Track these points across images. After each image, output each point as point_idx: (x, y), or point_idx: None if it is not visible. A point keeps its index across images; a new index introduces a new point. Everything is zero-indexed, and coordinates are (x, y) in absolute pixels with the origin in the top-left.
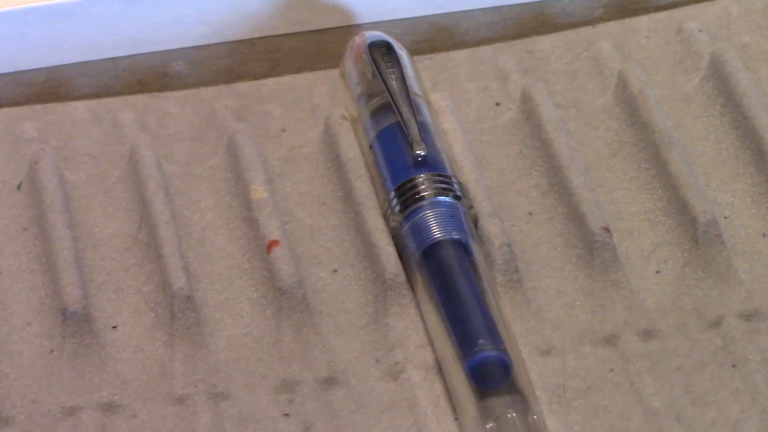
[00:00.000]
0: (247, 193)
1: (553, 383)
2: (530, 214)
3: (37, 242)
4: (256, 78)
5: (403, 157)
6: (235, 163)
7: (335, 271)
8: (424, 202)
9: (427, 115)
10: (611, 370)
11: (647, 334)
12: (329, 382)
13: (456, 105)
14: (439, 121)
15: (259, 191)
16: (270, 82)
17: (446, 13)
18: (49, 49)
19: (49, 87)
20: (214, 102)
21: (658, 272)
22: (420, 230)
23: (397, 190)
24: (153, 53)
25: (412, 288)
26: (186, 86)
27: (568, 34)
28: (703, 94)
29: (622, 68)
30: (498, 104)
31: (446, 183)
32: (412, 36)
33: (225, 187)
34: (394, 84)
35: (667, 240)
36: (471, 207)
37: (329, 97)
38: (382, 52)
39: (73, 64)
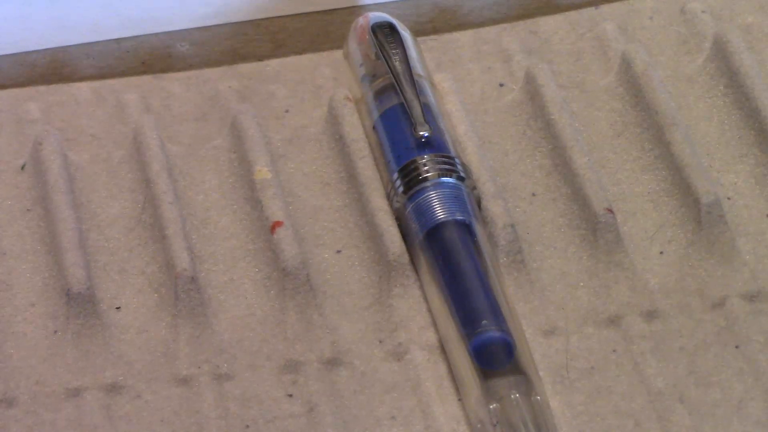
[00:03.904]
0: (250, 173)
1: (556, 364)
2: (534, 194)
3: (41, 223)
4: (259, 59)
5: (407, 138)
6: (238, 143)
7: (339, 251)
8: (428, 183)
9: (430, 96)
10: (614, 350)
11: (650, 315)
12: (333, 362)
13: (459, 86)
14: (442, 102)
15: (262, 172)
16: (274, 63)
17: None
18: (52, 30)
19: (52, 68)
20: (217, 83)
21: (661, 253)
22: (423, 211)
23: (400, 171)
24: (157, 34)
25: (416, 269)
26: (190, 67)
27: (572, 15)
28: (707, 74)
29: (626, 49)
30: (501, 85)
31: (449, 164)
32: (416, 17)
33: (229, 167)
34: (397, 65)
35: (671, 221)
36: (474, 188)
37: (333, 78)
38: (385, 33)
39: (76, 45)
